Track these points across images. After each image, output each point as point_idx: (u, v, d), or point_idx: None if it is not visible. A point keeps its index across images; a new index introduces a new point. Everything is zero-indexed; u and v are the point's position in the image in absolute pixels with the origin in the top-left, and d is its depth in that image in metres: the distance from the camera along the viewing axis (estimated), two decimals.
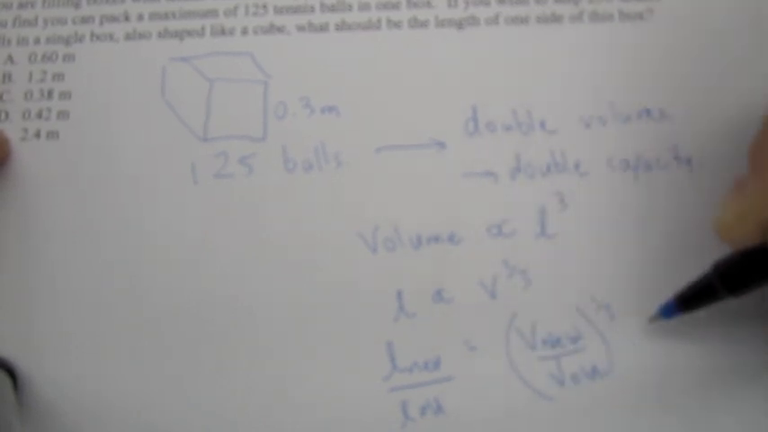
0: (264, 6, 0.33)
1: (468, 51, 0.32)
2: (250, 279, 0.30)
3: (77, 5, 0.33)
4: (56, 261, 0.30)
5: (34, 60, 0.33)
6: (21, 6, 0.33)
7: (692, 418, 0.28)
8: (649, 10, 0.33)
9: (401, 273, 0.30)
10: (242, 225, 0.31)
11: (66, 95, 0.32)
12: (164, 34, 0.33)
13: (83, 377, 0.29)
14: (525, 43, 0.32)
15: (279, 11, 0.33)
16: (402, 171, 0.31)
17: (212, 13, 0.33)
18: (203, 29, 0.33)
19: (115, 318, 0.30)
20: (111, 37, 0.33)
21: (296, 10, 0.33)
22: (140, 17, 0.33)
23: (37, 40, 0.33)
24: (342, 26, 0.33)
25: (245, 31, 0.33)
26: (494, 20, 0.33)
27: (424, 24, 0.33)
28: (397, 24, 0.33)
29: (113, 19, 0.33)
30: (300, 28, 0.33)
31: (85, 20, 0.33)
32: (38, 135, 0.32)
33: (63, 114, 0.32)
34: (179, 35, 0.33)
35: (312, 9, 0.33)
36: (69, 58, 0.33)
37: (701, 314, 0.29)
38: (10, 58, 0.33)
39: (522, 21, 0.33)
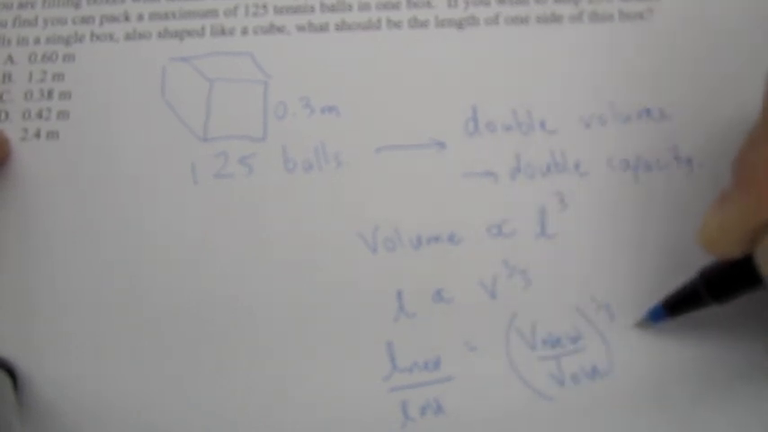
0: (264, 6, 0.33)
1: (468, 51, 0.32)
2: (250, 279, 0.30)
3: (77, 5, 0.33)
4: (56, 261, 0.30)
5: (34, 60, 0.33)
6: (21, 6, 0.33)
7: (691, 418, 0.28)
8: (649, 10, 0.33)
9: (401, 273, 0.30)
10: (242, 225, 0.31)
11: (66, 95, 0.32)
12: (164, 34, 0.33)
13: (83, 377, 0.29)
14: (525, 43, 0.32)
15: (279, 11, 0.33)
16: (402, 171, 0.31)
17: (212, 13, 0.33)
18: (203, 29, 0.33)
19: (115, 318, 0.30)
20: (111, 37, 0.33)
21: (296, 10, 0.33)
22: (140, 17, 0.33)
23: (37, 40, 0.33)
24: (342, 26, 0.33)
25: (245, 31, 0.33)
26: (494, 20, 0.33)
27: (424, 24, 0.33)
28: (397, 24, 0.33)
29: (113, 19, 0.33)
30: (300, 28, 0.33)
31: (85, 20, 0.33)
32: (38, 135, 0.32)
33: (63, 114, 0.32)
34: (179, 35, 0.33)
35: (312, 9, 0.33)
36: (69, 58, 0.33)
37: (701, 314, 0.29)
38: (10, 58, 0.33)
39: (522, 21, 0.33)
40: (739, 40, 0.32)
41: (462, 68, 0.32)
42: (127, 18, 0.33)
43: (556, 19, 0.33)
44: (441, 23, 0.33)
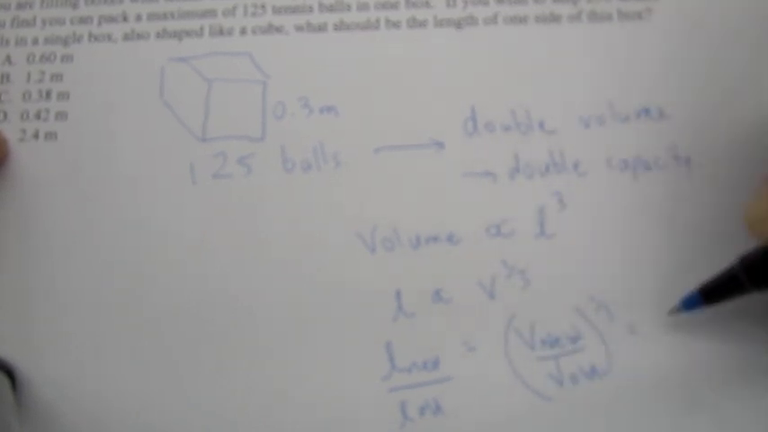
0: (263, 6, 0.33)
1: (466, 51, 0.32)
2: (249, 279, 0.30)
3: (75, 6, 0.33)
4: (55, 261, 0.30)
5: (32, 61, 0.33)
6: (19, 7, 0.33)
7: (690, 417, 0.28)
8: (648, 9, 0.32)
9: (400, 273, 0.30)
10: (240, 225, 0.31)
11: (64, 96, 0.32)
12: (162, 34, 0.33)
13: (82, 377, 0.29)
14: (524, 43, 0.32)
15: (277, 11, 0.33)
16: (401, 171, 0.31)
17: (211, 13, 0.33)
18: (202, 29, 0.33)
19: (114, 318, 0.30)
20: (109, 37, 0.33)
21: (294, 10, 0.33)
22: (138, 17, 0.33)
23: (35, 41, 0.33)
24: (340, 26, 0.33)
25: (243, 32, 0.33)
26: (492, 19, 0.33)
27: (422, 24, 0.33)
28: (395, 24, 0.33)
29: (111, 19, 0.33)
30: (299, 28, 0.33)
31: (84, 20, 0.33)
32: (36, 136, 0.32)
33: (61, 115, 0.32)
34: (177, 35, 0.33)
35: (310, 9, 0.33)
36: (67, 58, 0.33)
37: (700, 314, 0.29)
38: (8, 59, 0.33)
39: (521, 20, 0.32)
40: (739, 39, 0.32)
41: (461, 68, 0.32)
42: (125, 18, 0.33)
43: (554, 19, 0.33)
44: (439, 23, 0.33)
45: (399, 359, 0.29)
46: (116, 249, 0.30)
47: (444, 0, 0.33)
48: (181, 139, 0.31)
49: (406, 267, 0.30)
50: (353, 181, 0.31)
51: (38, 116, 0.32)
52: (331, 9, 0.33)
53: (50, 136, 0.32)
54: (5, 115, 0.32)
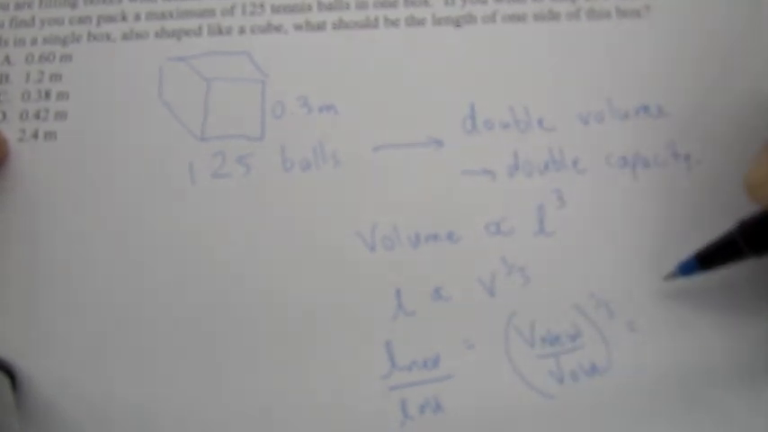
0: (261, 5, 0.33)
1: (465, 49, 0.32)
2: (248, 278, 0.30)
3: (74, 6, 0.33)
4: (54, 261, 0.30)
5: (31, 61, 0.33)
6: (17, 7, 0.33)
7: (690, 415, 0.28)
8: (646, 7, 0.33)
9: (400, 271, 0.30)
10: (240, 224, 0.31)
11: (63, 96, 0.32)
12: (161, 34, 0.33)
13: (82, 377, 0.29)
14: (523, 41, 0.32)
15: (276, 10, 0.33)
16: (400, 170, 0.31)
17: (209, 12, 0.33)
18: (200, 28, 0.33)
19: (115, 318, 0.30)
20: (108, 37, 0.33)
21: (293, 9, 0.33)
22: (137, 17, 0.33)
23: (34, 41, 0.33)
24: (339, 25, 0.33)
25: (242, 31, 0.33)
26: (491, 17, 0.33)
27: (421, 22, 0.33)
28: (394, 23, 0.33)
29: (110, 19, 0.33)
30: (298, 27, 0.33)
31: (82, 20, 0.33)
32: (35, 136, 0.32)
33: (61, 115, 0.32)
34: (176, 35, 0.33)
35: (309, 8, 0.33)
36: (66, 58, 0.33)
37: (700, 312, 0.29)
38: (7, 59, 0.33)
39: (520, 18, 0.33)
40: (737, 36, 0.32)
41: (460, 66, 0.32)
42: (124, 18, 0.33)
43: (553, 16, 0.33)
44: (438, 21, 0.33)
45: (399, 357, 0.29)
46: (116, 249, 0.30)
47: None
48: (180, 139, 0.31)
49: (406, 266, 0.30)
50: (353, 180, 0.31)
51: (37, 116, 0.32)
52: (330, 8, 0.33)
53: (50, 136, 0.32)
54: (5, 115, 0.32)
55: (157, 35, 0.33)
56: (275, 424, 0.29)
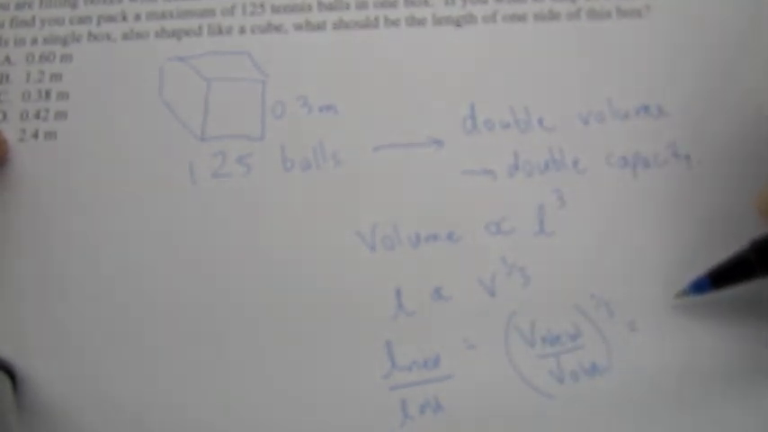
0: (262, 5, 0.33)
1: (465, 49, 0.32)
2: (249, 278, 0.30)
3: (74, 5, 0.33)
4: (54, 261, 0.30)
5: (32, 61, 0.33)
6: (18, 7, 0.33)
7: (690, 415, 0.28)
8: (647, 7, 0.33)
9: (400, 271, 0.30)
10: (240, 224, 0.31)
11: (63, 96, 0.32)
12: (161, 34, 0.33)
13: (82, 377, 0.29)
14: (523, 41, 0.32)
15: (276, 10, 0.33)
16: (400, 170, 0.31)
17: (209, 12, 0.33)
18: (201, 28, 0.33)
19: (115, 317, 0.30)
20: (108, 37, 0.33)
21: (293, 9, 0.33)
22: (138, 17, 0.33)
23: (34, 41, 0.33)
24: (339, 25, 0.33)
25: (242, 31, 0.33)
26: (491, 17, 0.33)
27: (421, 22, 0.33)
28: (394, 23, 0.33)
29: (110, 19, 0.33)
30: (298, 27, 0.33)
31: (83, 20, 0.33)
32: (36, 135, 0.32)
33: (61, 115, 0.32)
34: (176, 35, 0.33)
35: (309, 8, 0.33)
36: (67, 58, 0.33)
37: (700, 312, 0.29)
38: (7, 59, 0.33)
39: (520, 18, 0.33)
40: (737, 36, 0.32)
41: (460, 66, 0.32)
42: (124, 18, 0.33)
43: (553, 16, 0.33)
44: (438, 21, 0.33)
45: (399, 357, 0.29)
46: (116, 249, 0.30)
47: None
48: (180, 139, 0.31)
49: (406, 266, 0.30)
50: (353, 180, 0.31)
51: (37, 116, 0.32)
52: (330, 8, 0.33)
53: (50, 135, 0.32)
54: (5, 115, 0.32)
55: (157, 35, 0.33)
56: (275, 424, 0.29)
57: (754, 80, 0.31)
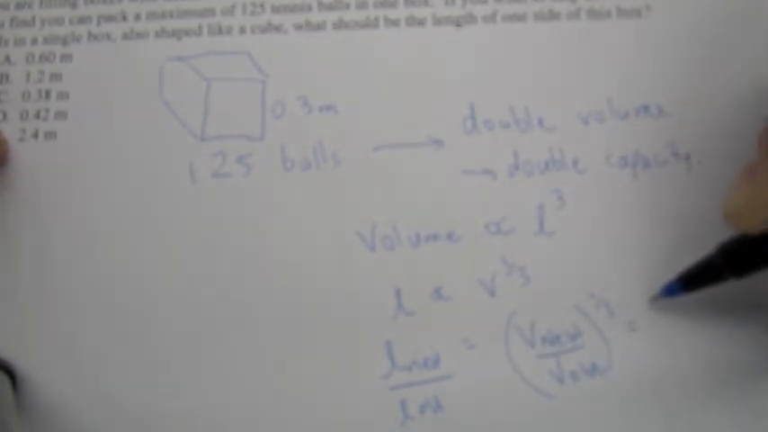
0: (262, 5, 0.33)
1: (465, 49, 0.32)
2: (249, 278, 0.30)
3: (74, 5, 0.33)
4: (54, 261, 0.30)
5: (31, 61, 0.33)
6: (18, 7, 0.33)
7: (690, 414, 0.28)
8: (647, 6, 0.33)
9: (400, 271, 0.30)
10: (240, 224, 0.31)
11: (63, 96, 0.32)
12: (161, 34, 0.33)
13: (82, 378, 0.29)
14: (523, 41, 0.32)
15: (276, 10, 0.33)
16: (400, 169, 0.31)
17: (209, 12, 0.33)
18: (200, 28, 0.33)
19: (115, 318, 0.30)
20: (108, 37, 0.33)
21: (293, 9, 0.33)
22: (137, 17, 0.33)
23: (34, 41, 0.33)
24: (339, 24, 0.33)
25: (242, 30, 0.33)
26: (491, 17, 0.33)
27: (421, 22, 0.33)
28: (394, 22, 0.33)
29: (110, 19, 0.33)
30: (298, 27, 0.33)
31: (82, 20, 0.33)
32: (36, 135, 0.32)
33: (61, 115, 0.32)
34: (176, 34, 0.33)
35: (309, 8, 0.33)
36: (66, 58, 0.33)
37: (700, 312, 0.29)
38: (7, 59, 0.33)
39: (520, 18, 0.33)
40: (737, 35, 0.32)
41: (460, 66, 0.32)
42: (124, 18, 0.33)
43: (553, 16, 0.33)
44: (438, 21, 0.33)
45: (399, 357, 0.29)
46: (116, 249, 0.30)
47: None
48: (180, 139, 0.31)
49: (406, 265, 0.30)
50: (353, 180, 0.31)
51: (37, 116, 0.32)
52: (330, 8, 0.33)
53: (50, 135, 0.32)
54: (5, 115, 0.32)
55: (157, 35, 0.33)
56: (275, 424, 0.29)
57: (754, 80, 0.31)
